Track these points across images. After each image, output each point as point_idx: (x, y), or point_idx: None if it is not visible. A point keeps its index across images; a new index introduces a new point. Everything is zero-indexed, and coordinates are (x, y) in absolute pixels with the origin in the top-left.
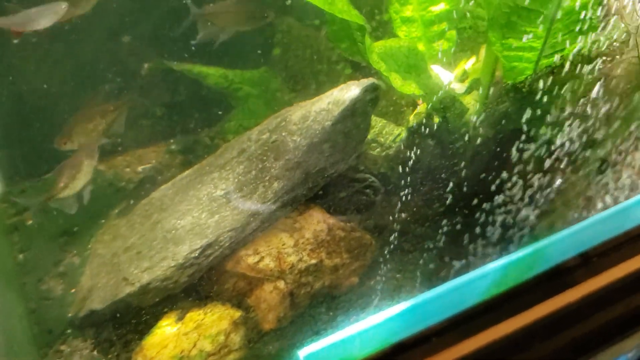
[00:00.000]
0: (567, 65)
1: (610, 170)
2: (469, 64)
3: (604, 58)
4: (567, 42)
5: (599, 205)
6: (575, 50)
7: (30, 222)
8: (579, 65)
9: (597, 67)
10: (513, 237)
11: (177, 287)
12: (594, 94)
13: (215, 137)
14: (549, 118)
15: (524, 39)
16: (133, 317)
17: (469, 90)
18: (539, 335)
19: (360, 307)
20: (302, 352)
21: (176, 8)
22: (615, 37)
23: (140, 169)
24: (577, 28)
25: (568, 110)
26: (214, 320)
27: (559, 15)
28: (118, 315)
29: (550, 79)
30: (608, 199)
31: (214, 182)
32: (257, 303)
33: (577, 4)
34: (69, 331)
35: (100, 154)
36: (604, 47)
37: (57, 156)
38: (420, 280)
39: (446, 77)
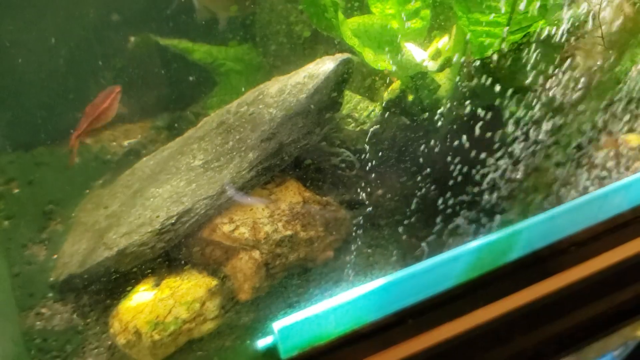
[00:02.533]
0: (533, 43)
1: (583, 150)
2: (442, 42)
3: (569, 36)
4: (533, 19)
5: (571, 189)
6: (540, 27)
7: (16, 190)
8: (545, 43)
9: (562, 45)
10: (487, 218)
11: (153, 253)
12: (559, 71)
13: (199, 112)
14: (516, 95)
15: (489, 15)
16: (112, 283)
17: (441, 68)
18: (519, 326)
19: (335, 281)
20: (277, 324)
21: None
22: (581, 16)
23: (126, 143)
24: (544, 4)
25: (535, 87)
26: (190, 288)
27: None
28: (97, 280)
29: (517, 55)
30: (581, 181)
31: (193, 153)
32: (233, 272)
33: None
34: (50, 295)
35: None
36: (570, 25)
37: (46, 130)
38: (395, 257)
39: (420, 55)
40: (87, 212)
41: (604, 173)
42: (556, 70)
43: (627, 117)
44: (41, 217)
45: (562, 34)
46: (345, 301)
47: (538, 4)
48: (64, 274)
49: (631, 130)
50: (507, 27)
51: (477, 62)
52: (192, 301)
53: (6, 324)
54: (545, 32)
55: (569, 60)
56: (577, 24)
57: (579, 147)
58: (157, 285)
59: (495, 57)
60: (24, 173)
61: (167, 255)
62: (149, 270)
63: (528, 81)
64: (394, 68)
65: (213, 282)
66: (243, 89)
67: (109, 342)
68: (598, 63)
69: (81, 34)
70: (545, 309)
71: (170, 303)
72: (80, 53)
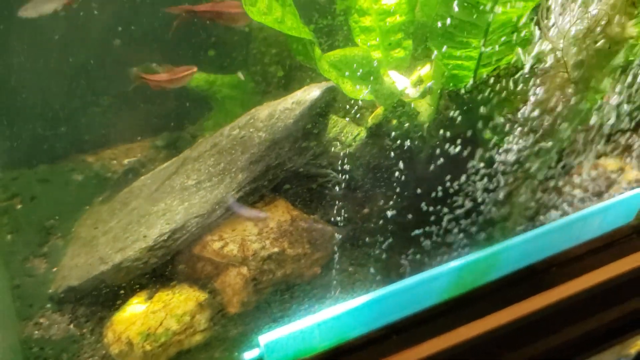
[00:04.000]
0: (504, 75)
1: (560, 174)
2: (424, 70)
3: (537, 71)
4: (503, 53)
5: (550, 212)
6: (510, 61)
7: (19, 206)
8: (514, 76)
9: (530, 78)
10: (467, 238)
11: (147, 267)
12: (528, 103)
13: (195, 134)
14: (488, 124)
15: (462, 50)
16: (107, 295)
17: (422, 95)
18: (504, 343)
19: (321, 297)
20: (263, 338)
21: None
22: (546, 52)
23: (125, 161)
24: (511, 40)
25: (505, 118)
26: (181, 301)
27: (492, 27)
28: (94, 292)
29: (488, 87)
30: (559, 204)
31: (187, 173)
32: (222, 287)
33: (514, 17)
34: (48, 306)
35: (90, 147)
36: (536, 61)
37: (48, 149)
38: (379, 275)
39: (402, 82)
40: (86, 228)
41: (583, 196)
42: (525, 102)
43: (601, 144)
44: (42, 231)
45: (530, 69)
46: (330, 317)
47: (504, 38)
48: (63, 286)
49: (605, 155)
50: (478, 61)
51: (453, 92)
52: (182, 314)
53: (6, 332)
54: (515, 65)
55: (537, 91)
56: (543, 59)
57: (555, 172)
58: (150, 298)
59: (468, 87)
60: (27, 189)
61: (160, 270)
62: (142, 284)
63: (500, 110)
64: (366, 95)
65: (203, 296)
66: (237, 113)
67: (103, 352)
68: (564, 95)
69: (86, 61)
70: (531, 328)
71: (161, 315)
72: (84, 79)
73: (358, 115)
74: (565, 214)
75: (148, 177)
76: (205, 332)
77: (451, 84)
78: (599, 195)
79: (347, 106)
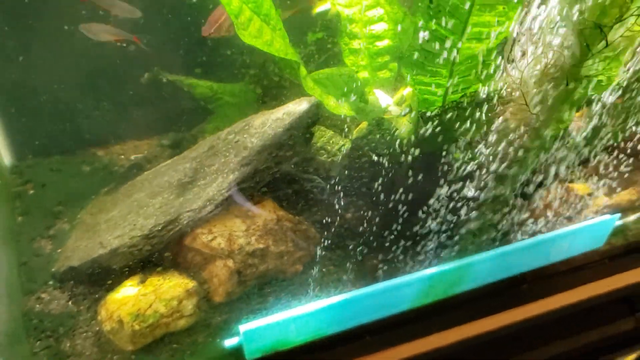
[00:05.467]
0: (470, 103)
1: (530, 196)
2: (407, 91)
3: (501, 101)
4: (470, 82)
5: (519, 231)
6: (476, 90)
7: (31, 192)
8: (479, 105)
9: (494, 107)
10: (440, 249)
11: (141, 254)
12: (494, 129)
13: (197, 135)
14: (458, 146)
15: (431, 77)
16: (104, 277)
17: (404, 114)
18: (475, 354)
19: (301, 293)
20: (243, 327)
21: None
22: (509, 85)
23: (132, 157)
24: (478, 72)
25: (474, 140)
26: (170, 287)
27: (459, 59)
28: (92, 273)
29: (455, 113)
30: (529, 224)
31: (185, 171)
32: (209, 277)
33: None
34: (50, 283)
35: (101, 142)
36: (500, 90)
37: (62, 141)
38: (357, 276)
39: (386, 101)
40: (90, 215)
41: (553, 219)
42: (491, 128)
43: (569, 169)
44: (50, 216)
45: (494, 97)
46: (306, 312)
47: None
48: (65, 266)
49: (576, 179)
50: (446, 89)
51: (425, 114)
52: (170, 298)
53: (10, 304)
54: (479, 95)
55: (500, 120)
56: (508, 89)
57: (525, 194)
58: (142, 282)
59: (437, 111)
60: (40, 177)
61: (153, 257)
62: (136, 269)
63: (467, 134)
64: (346, 112)
65: (191, 284)
66: (235, 119)
67: (97, 328)
68: (526, 124)
69: (104, 66)
70: (502, 343)
71: (151, 298)
72: (101, 81)
73: (345, 128)
74: (534, 234)
75: (150, 173)
76: (190, 318)
77: (423, 107)
78: (568, 218)
79: (335, 119)
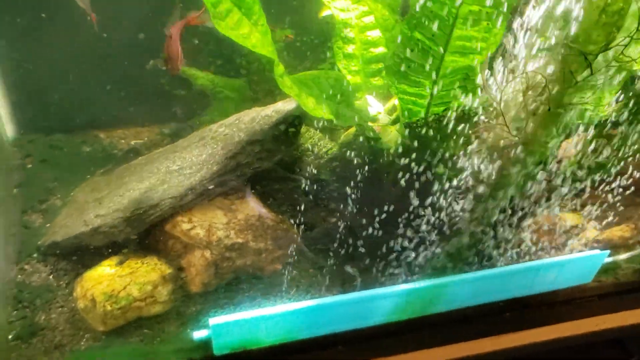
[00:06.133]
0: (453, 117)
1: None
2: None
3: (482, 119)
4: (454, 97)
5: (502, 258)
6: (459, 106)
7: (30, 166)
8: (461, 119)
9: (474, 124)
10: (419, 265)
11: (121, 235)
12: (471, 148)
13: (193, 126)
14: (439, 159)
15: (414, 88)
16: (86, 255)
17: (393, 122)
18: None
19: (277, 292)
20: (213, 320)
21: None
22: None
23: (133, 142)
24: (463, 86)
25: (451, 156)
26: (146, 271)
27: (443, 72)
28: (74, 250)
29: (438, 126)
30: (512, 252)
31: (174, 159)
32: (187, 266)
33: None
34: (35, 255)
35: (105, 125)
36: (479, 108)
37: (66, 120)
38: (334, 283)
39: (376, 107)
40: (83, 194)
41: (537, 247)
42: (470, 146)
43: (556, 198)
44: (45, 191)
45: (474, 115)
46: (277, 313)
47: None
48: (49, 241)
49: (565, 209)
50: (429, 100)
51: (409, 124)
52: (145, 282)
53: None
54: (462, 110)
55: (479, 139)
56: (487, 108)
57: (508, 219)
58: (121, 263)
59: (420, 122)
60: (40, 152)
61: (135, 240)
62: (117, 250)
63: (447, 149)
64: (325, 115)
65: (168, 270)
66: (230, 113)
67: (73, 305)
68: (506, 145)
69: (112, 51)
70: None
71: (126, 281)
72: (111, 67)
73: (333, 131)
74: (518, 261)
75: (144, 158)
76: (164, 304)
77: (406, 117)
78: (555, 249)
79: (324, 122)
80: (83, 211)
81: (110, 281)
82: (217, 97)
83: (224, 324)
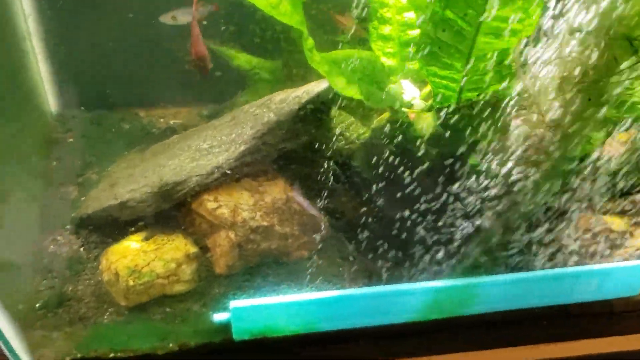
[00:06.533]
0: (487, 104)
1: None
2: None
3: (516, 107)
4: (488, 82)
5: (538, 261)
6: (492, 92)
7: (70, 140)
8: (494, 107)
9: (509, 113)
10: (451, 261)
11: (148, 210)
12: (504, 139)
13: (231, 108)
14: (470, 149)
15: (446, 70)
16: (116, 229)
17: (428, 108)
18: None
19: (302, 280)
20: (234, 303)
21: None
22: (526, 89)
23: (171, 122)
24: (499, 70)
25: (484, 146)
26: (171, 249)
27: (477, 55)
28: (105, 223)
29: (469, 112)
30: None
31: (205, 138)
32: (213, 246)
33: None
34: (68, 227)
35: (145, 104)
36: (515, 95)
37: (108, 98)
38: (364, 274)
39: (411, 93)
40: (118, 169)
41: (578, 252)
42: (503, 136)
43: (601, 199)
44: (83, 165)
45: (509, 102)
46: (297, 301)
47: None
48: (81, 213)
49: (612, 213)
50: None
51: (441, 110)
52: (169, 260)
53: (25, 241)
54: (496, 96)
55: (513, 128)
56: (523, 95)
57: (545, 219)
58: (147, 239)
59: (452, 109)
60: (81, 127)
61: (164, 217)
62: (145, 225)
63: (479, 137)
64: (355, 95)
65: (193, 249)
66: (264, 95)
67: (100, 278)
68: (543, 137)
69: (156, 32)
70: None
71: (151, 257)
72: (151, 46)
73: (366, 116)
74: (555, 265)
75: (178, 136)
76: (187, 284)
77: (437, 103)
78: (598, 255)
79: (357, 106)
80: (115, 186)
81: (134, 256)
82: (253, 79)
83: (245, 307)
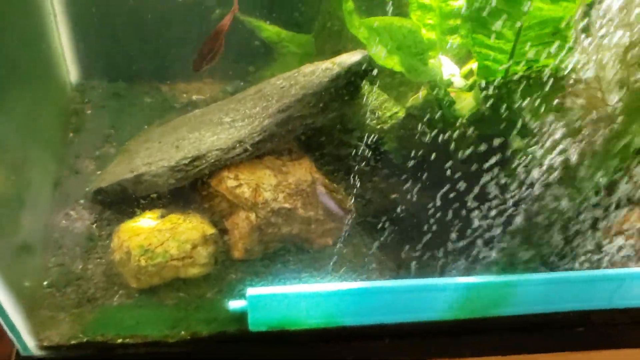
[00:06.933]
0: (537, 78)
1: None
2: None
3: (571, 82)
4: (539, 53)
5: (581, 258)
6: (545, 64)
7: (89, 111)
8: (548, 81)
9: (562, 89)
10: (487, 256)
11: (164, 186)
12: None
13: (256, 82)
14: (515, 130)
15: (494, 39)
16: (131, 206)
17: (469, 88)
18: None
19: (325, 270)
20: (251, 290)
21: None
22: (585, 65)
23: (194, 97)
24: (551, 42)
25: (531, 126)
26: (188, 228)
27: (530, 23)
28: (119, 199)
29: (518, 88)
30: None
31: (227, 111)
32: (231, 228)
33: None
34: (81, 202)
35: (169, 78)
36: (571, 71)
37: (132, 69)
38: (390, 266)
39: (450, 70)
40: (137, 143)
41: (628, 252)
42: (554, 115)
43: None
44: (101, 138)
45: (563, 78)
46: (319, 292)
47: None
48: (95, 187)
49: None
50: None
51: (484, 86)
52: (185, 240)
53: (36, 215)
54: (550, 69)
55: (569, 105)
56: (580, 71)
57: (592, 213)
58: (162, 217)
59: (498, 83)
60: (101, 99)
61: (181, 194)
62: (161, 203)
63: (526, 117)
64: (395, 66)
65: (210, 231)
66: (292, 69)
67: (111, 257)
68: (600, 119)
69: (179, 5)
70: None
71: (165, 236)
72: (177, 19)
73: (400, 93)
74: (599, 266)
75: (200, 110)
76: (203, 267)
77: (481, 76)
78: None
79: (391, 82)
80: (132, 160)
81: (148, 234)
82: (281, 52)
83: (263, 296)
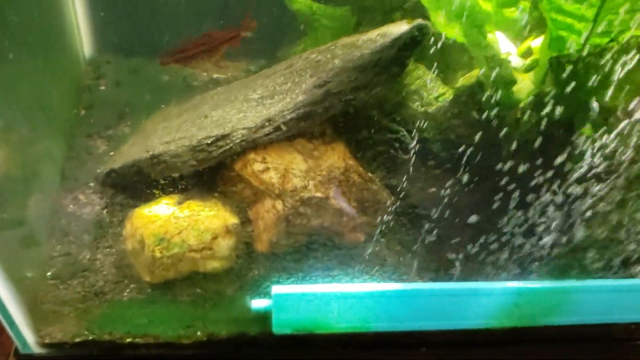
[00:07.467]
0: (620, 53)
1: None
2: (537, 42)
3: None
4: (625, 25)
5: None
6: (634, 37)
7: (102, 88)
8: (632, 57)
9: None
10: (539, 258)
11: (184, 168)
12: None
13: (284, 59)
14: (588, 116)
15: (574, 4)
16: (146, 190)
17: (527, 68)
18: None
19: (357, 267)
20: (276, 288)
21: None
22: None
23: (215, 76)
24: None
25: (611, 111)
26: (208, 217)
27: None
28: (133, 183)
29: (599, 64)
30: None
31: (254, 87)
32: (255, 218)
33: None
34: (92, 185)
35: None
36: None
37: (150, 44)
38: (428, 267)
39: (506, 47)
40: (153, 123)
41: None
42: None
43: None
44: (115, 116)
45: None
46: (351, 292)
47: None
48: (107, 168)
49: None
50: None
51: (555, 60)
52: (204, 230)
53: (43, 198)
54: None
55: None
56: None
57: None
58: (180, 203)
59: (574, 56)
60: (116, 75)
61: (201, 179)
62: (179, 187)
63: (606, 99)
64: (458, 37)
65: (232, 220)
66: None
67: (123, 247)
68: None
69: None
70: None
71: (183, 224)
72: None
73: (448, 72)
74: None
75: (223, 88)
76: (223, 261)
77: (554, 49)
78: None
79: (440, 58)
80: (148, 139)
81: (164, 222)
82: (313, 26)
83: (289, 295)
